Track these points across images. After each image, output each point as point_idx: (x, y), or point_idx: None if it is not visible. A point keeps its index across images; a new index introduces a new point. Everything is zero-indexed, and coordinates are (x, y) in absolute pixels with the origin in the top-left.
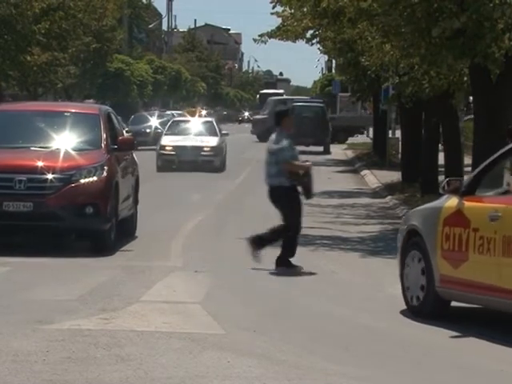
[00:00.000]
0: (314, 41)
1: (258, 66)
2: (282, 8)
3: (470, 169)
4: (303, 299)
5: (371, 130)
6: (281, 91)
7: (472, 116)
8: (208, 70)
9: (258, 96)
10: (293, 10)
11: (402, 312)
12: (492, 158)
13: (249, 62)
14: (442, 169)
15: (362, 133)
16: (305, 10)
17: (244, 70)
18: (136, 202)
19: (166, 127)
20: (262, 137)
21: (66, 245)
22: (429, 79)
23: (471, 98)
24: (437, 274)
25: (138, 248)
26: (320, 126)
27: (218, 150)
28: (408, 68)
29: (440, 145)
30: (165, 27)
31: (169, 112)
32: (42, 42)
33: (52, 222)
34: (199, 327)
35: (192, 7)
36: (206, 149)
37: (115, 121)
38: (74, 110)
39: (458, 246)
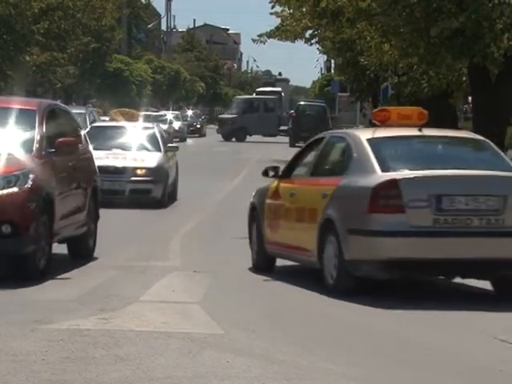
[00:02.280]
0: (313, 41)
1: (257, 66)
2: (281, 8)
3: None
4: (303, 299)
5: None
6: (278, 89)
7: (471, 115)
8: (207, 69)
9: (254, 94)
10: (292, 10)
11: (402, 311)
12: (300, 150)
13: (248, 61)
14: None
15: None
16: (304, 10)
17: (243, 69)
18: (95, 216)
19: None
20: (229, 137)
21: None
22: (428, 79)
23: (470, 97)
24: (265, 238)
25: (137, 248)
26: (321, 123)
27: (159, 174)
28: (407, 68)
29: None
30: (164, 27)
31: (159, 113)
32: (41, 42)
33: None
34: (198, 327)
35: (191, 7)
36: (138, 172)
37: (64, 119)
38: (5, 105)
39: (274, 216)
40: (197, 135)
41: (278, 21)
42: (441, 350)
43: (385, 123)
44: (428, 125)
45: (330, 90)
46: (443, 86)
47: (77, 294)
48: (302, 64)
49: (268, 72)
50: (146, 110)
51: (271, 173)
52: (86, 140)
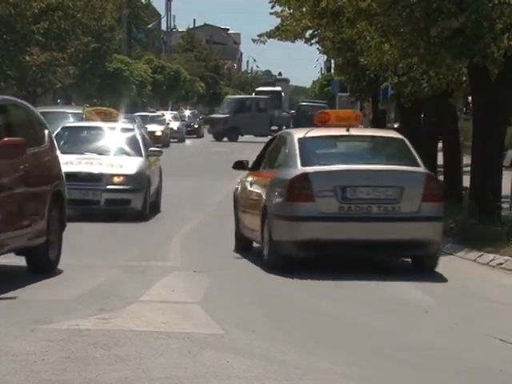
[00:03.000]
0: (313, 41)
1: (257, 66)
2: (281, 8)
3: (469, 168)
4: (303, 299)
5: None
6: (278, 89)
7: (471, 116)
8: (207, 69)
9: (253, 94)
10: (292, 10)
11: (401, 311)
12: (264, 145)
13: (248, 61)
14: (441, 169)
15: None
16: (304, 9)
17: (243, 69)
18: (59, 226)
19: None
20: (220, 137)
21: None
22: (428, 79)
23: (470, 97)
24: (240, 223)
25: (137, 248)
26: None
27: (140, 182)
28: (407, 68)
29: (439, 144)
30: (164, 27)
31: (155, 113)
32: (41, 42)
33: None
34: (198, 327)
35: (191, 7)
36: (116, 179)
37: (19, 117)
38: None
39: (243, 203)
40: (194, 136)
41: (278, 21)
42: (441, 350)
43: (324, 124)
44: (428, 125)
45: (330, 89)
46: (443, 86)
47: (77, 294)
48: (302, 64)
49: (268, 72)
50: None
51: (240, 166)
52: (51, 141)
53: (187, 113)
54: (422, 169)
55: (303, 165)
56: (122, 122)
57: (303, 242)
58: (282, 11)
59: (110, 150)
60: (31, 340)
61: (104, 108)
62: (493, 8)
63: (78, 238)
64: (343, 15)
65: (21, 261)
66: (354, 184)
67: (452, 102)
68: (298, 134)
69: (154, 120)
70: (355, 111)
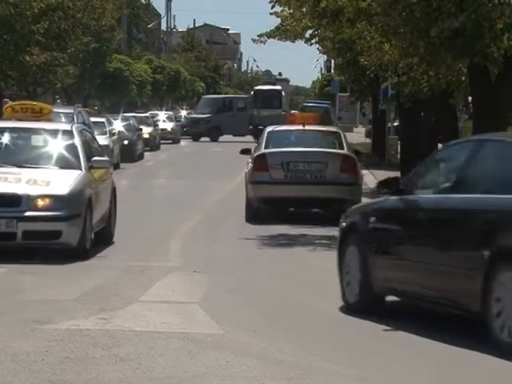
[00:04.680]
0: (313, 41)
1: (257, 66)
2: (281, 8)
3: None
4: (302, 299)
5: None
6: (278, 87)
7: (471, 116)
8: (207, 69)
9: (252, 92)
10: (292, 10)
11: (401, 311)
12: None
13: (248, 61)
14: None
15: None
16: (304, 9)
17: (243, 69)
18: None
19: None
20: (198, 137)
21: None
22: (428, 79)
23: (470, 97)
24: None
25: (137, 248)
26: (325, 123)
27: (76, 206)
28: (407, 68)
29: (439, 144)
30: (164, 27)
31: (145, 114)
32: (41, 42)
33: None
34: (198, 327)
35: (191, 7)
36: (40, 202)
37: None
38: None
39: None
40: (189, 137)
41: (278, 21)
42: (441, 349)
43: (293, 122)
44: (428, 125)
45: (330, 89)
46: (443, 86)
47: (77, 294)
48: (302, 64)
49: (268, 72)
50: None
51: (247, 152)
52: None
53: (183, 113)
54: (342, 151)
55: (265, 148)
56: (56, 123)
57: (262, 199)
58: (282, 11)
59: (35, 160)
60: (31, 340)
61: (32, 102)
62: (493, 8)
63: None
64: (343, 15)
65: (21, 261)
66: (295, 160)
67: (452, 102)
68: (269, 128)
69: (142, 121)
70: (314, 114)
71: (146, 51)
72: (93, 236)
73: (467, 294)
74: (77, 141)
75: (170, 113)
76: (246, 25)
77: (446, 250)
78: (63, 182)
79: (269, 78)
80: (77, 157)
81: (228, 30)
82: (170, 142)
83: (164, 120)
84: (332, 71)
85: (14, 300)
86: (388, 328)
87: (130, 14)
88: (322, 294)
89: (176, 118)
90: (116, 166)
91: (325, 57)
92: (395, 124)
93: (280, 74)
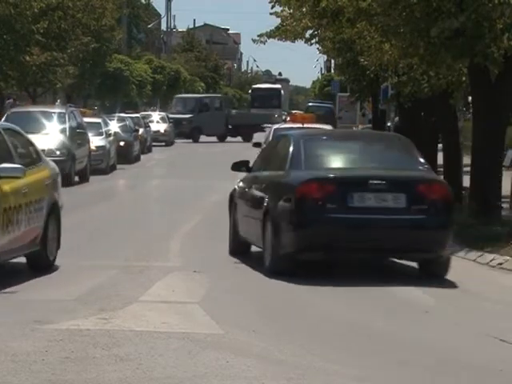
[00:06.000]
0: (313, 41)
1: (257, 66)
2: (281, 8)
3: (469, 168)
4: (302, 299)
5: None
6: (277, 86)
7: (471, 116)
8: (207, 69)
9: (250, 91)
10: (292, 10)
11: (402, 311)
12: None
13: (248, 61)
14: (441, 169)
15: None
16: (304, 9)
17: (243, 69)
18: None
19: None
20: (181, 137)
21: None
22: (428, 79)
23: (470, 97)
24: None
25: (137, 248)
26: (329, 123)
27: None
28: (407, 68)
29: (439, 145)
30: (164, 27)
31: (135, 115)
32: (41, 42)
33: None
34: (198, 327)
35: (191, 7)
36: None
37: None
38: None
39: None
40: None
41: (278, 21)
42: (441, 349)
43: (294, 121)
44: (428, 125)
45: (330, 89)
46: (443, 86)
47: (77, 294)
48: (302, 64)
49: (268, 72)
50: (144, 111)
51: (258, 145)
52: None
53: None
54: None
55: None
56: None
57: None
58: (282, 11)
59: None
60: (31, 340)
61: None
62: (493, 8)
63: (78, 237)
64: (343, 15)
65: (21, 260)
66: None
67: (452, 102)
68: (276, 126)
69: (132, 122)
70: (312, 114)
71: (146, 51)
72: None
73: (258, 235)
74: None
75: (164, 114)
76: (246, 25)
77: (254, 208)
78: None
79: (269, 77)
80: None
81: (228, 30)
82: (163, 144)
83: (157, 121)
84: (332, 71)
85: (14, 300)
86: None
87: (129, 13)
88: (322, 294)
89: (169, 119)
90: (113, 168)
91: (325, 57)
92: (396, 119)
93: (280, 73)
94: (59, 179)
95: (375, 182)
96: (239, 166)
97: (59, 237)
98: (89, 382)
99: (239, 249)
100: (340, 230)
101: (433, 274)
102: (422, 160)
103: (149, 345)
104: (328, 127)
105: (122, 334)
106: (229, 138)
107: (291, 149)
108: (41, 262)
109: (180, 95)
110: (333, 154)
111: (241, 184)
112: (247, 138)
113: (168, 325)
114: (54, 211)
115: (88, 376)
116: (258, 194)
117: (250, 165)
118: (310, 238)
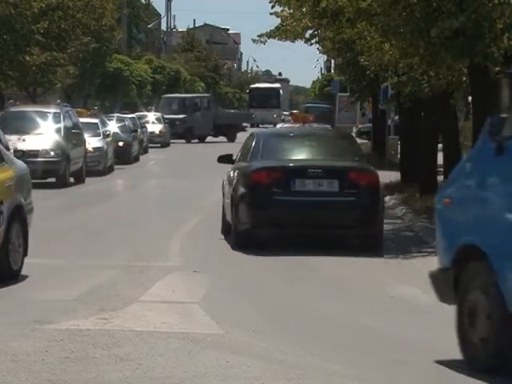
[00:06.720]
0: (313, 41)
1: (257, 66)
2: (281, 8)
3: None
4: (303, 299)
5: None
6: (276, 85)
7: (471, 116)
8: (207, 69)
9: (248, 91)
10: (292, 10)
11: (401, 311)
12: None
13: (248, 61)
14: (441, 169)
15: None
16: (304, 9)
17: (243, 69)
18: None
19: None
20: (175, 138)
21: (66, 247)
22: (428, 79)
23: (470, 97)
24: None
25: (137, 248)
26: (327, 123)
27: None
28: (407, 68)
29: (439, 145)
30: (164, 27)
31: (129, 115)
32: (41, 42)
33: None
34: (198, 327)
35: (191, 7)
36: None
37: None
38: None
39: None
40: (183, 140)
41: (278, 21)
42: (441, 349)
43: (295, 121)
44: (428, 125)
45: (330, 89)
46: (443, 86)
47: (77, 294)
48: (302, 64)
49: (268, 72)
50: (143, 111)
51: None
52: None
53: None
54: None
55: None
56: None
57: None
58: (282, 11)
59: None
60: (31, 340)
61: None
62: (493, 8)
63: (78, 238)
64: (343, 15)
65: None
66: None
67: (452, 102)
68: (279, 125)
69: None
70: (310, 115)
71: (146, 51)
72: None
73: (230, 215)
74: None
75: (159, 114)
76: (246, 25)
77: (229, 192)
78: None
79: (269, 77)
80: None
81: (228, 30)
82: (159, 145)
83: (153, 122)
84: (332, 71)
85: (14, 300)
86: None
87: (129, 13)
88: (323, 294)
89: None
90: (110, 169)
91: (325, 57)
92: (395, 118)
93: (280, 73)
94: (28, 180)
95: (313, 170)
96: (224, 158)
97: (26, 243)
98: (89, 382)
99: (227, 228)
100: (285, 209)
101: (369, 247)
102: (359, 153)
103: (149, 345)
104: (327, 126)
105: (121, 334)
106: (216, 138)
107: (253, 143)
108: (2, 272)
109: (167, 95)
110: (285, 148)
111: (228, 173)
112: (231, 138)
113: (168, 325)
114: (19, 215)
115: (88, 376)
116: (232, 181)
117: (234, 157)
118: (262, 216)
